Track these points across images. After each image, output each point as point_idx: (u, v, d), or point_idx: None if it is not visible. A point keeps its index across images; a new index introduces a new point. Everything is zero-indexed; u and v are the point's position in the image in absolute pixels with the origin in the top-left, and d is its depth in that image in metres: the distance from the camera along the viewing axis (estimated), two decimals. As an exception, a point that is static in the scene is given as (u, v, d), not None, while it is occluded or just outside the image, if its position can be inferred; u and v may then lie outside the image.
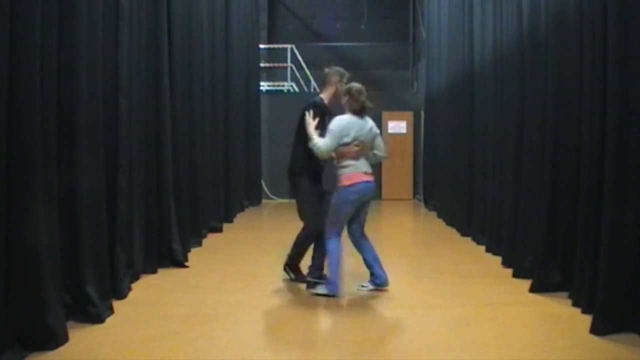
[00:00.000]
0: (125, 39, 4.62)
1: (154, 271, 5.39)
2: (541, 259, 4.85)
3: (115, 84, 4.52)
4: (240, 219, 10.07)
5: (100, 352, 3.37)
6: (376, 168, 13.51)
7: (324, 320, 4.12)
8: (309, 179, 4.88)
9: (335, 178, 4.75)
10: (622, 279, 3.69)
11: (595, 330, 3.70)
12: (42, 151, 3.33)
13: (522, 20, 5.56)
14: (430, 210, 11.34)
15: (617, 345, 3.51)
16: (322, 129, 4.74)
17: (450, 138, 9.21)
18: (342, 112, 4.81)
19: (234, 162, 10.01)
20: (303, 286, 4.90)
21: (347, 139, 4.62)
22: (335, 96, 4.95)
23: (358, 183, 4.64)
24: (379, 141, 4.93)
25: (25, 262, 3.23)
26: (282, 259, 5.24)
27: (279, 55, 14.70)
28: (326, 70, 5.09)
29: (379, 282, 4.81)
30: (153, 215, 5.49)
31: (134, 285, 4.79)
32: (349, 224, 4.82)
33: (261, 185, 13.22)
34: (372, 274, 4.84)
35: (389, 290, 4.87)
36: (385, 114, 13.80)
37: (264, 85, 14.21)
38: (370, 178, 4.73)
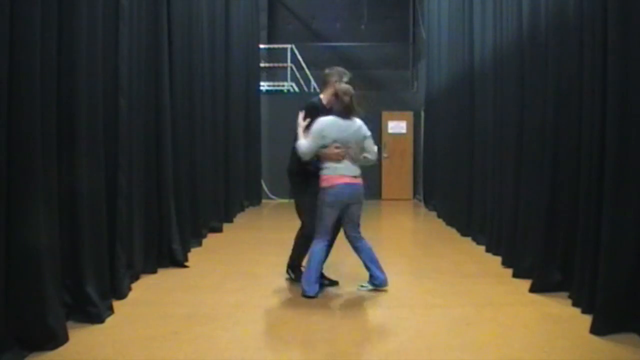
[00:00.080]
0: (125, 39, 4.61)
1: (154, 271, 5.39)
2: (541, 259, 4.85)
3: (115, 84, 4.52)
4: (240, 219, 10.07)
5: (100, 352, 3.37)
6: (376, 168, 13.73)
7: (324, 320, 4.12)
8: (307, 179, 4.88)
9: None
10: (622, 279, 3.69)
11: (595, 330, 3.70)
12: (42, 151, 3.32)
13: (522, 20, 5.56)
14: (430, 210, 11.34)
15: (617, 345, 3.51)
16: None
17: (450, 138, 9.21)
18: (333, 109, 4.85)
19: (234, 162, 10.01)
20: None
21: (325, 141, 4.61)
22: (334, 96, 4.95)
23: (334, 185, 4.62)
24: (369, 143, 4.80)
25: (25, 262, 3.23)
26: (282, 259, 5.24)
27: (279, 55, 14.71)
28: (327, 70, 5.10)
29: (377, 283, 4.81)
30: (153, 215, 5.49)
31: (134, 285, 4.79)
32: (343, 226, 4.82)
33: (261, 185, 13.22)
34: (370, 275, 4.84)
35: (388, 290, 4.86)
36: (385, 114, 13.81)
37: (264, 85, 14.21)
38: (351, 181, 4.67)
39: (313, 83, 14.31)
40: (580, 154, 4.36)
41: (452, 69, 9.30)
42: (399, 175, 13.90)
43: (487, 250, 6.64)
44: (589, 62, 4.14)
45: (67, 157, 3.78)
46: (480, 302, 4.59)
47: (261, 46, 13.92)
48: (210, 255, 6.53)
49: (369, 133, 4.82)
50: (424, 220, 10.84)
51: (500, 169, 6.37)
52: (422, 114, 13.10)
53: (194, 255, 6.28)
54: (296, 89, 14.46)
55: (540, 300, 4.59)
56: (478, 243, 7.15)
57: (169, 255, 5.71)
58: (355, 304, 4.55)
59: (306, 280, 4.63)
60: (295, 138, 4.82)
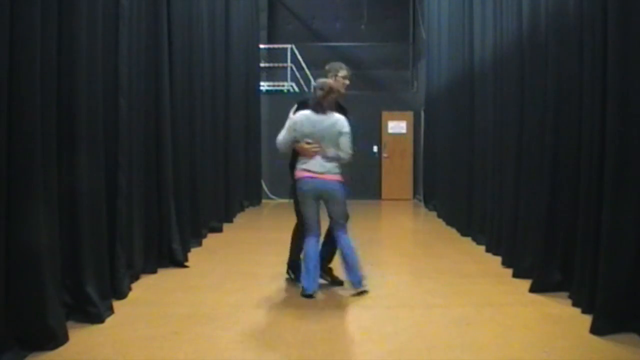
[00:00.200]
0: (125, 39, 4.62)
1: (154, 271, 5.39)
2: (541, 259, 4.85)
3: (115, 84, 4.52)
4: (240, 219, 10.07)
5: (100, 352, 3.37)
6: (376, 168, 13.73)
7: (324, 320, 4.12)
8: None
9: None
10: (622, 279, 3.69)
11: (595, 330, 3.70)
12: (42, 151, 3.32)
13: (522, 20, 5.56)
14: (430, 210, 11.34)
15: (617, 345, 3.51)
16: None
17: (450, 138, 9.21)
18: (340, 107, 4.86)
19: (234, 162, 10.01)
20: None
21: (297, 134, 4.65)
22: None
23: (300, 179, 4.69)
24: (343, 140, 4.66)
25: (25, 262, 3.23)
26: (282, 258, 5.24)
27: (279, 55, 14.70)
28: (326, 66, 5.10)
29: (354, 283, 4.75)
30: (153, 215, 5.49)
31: (134, 285, 4.79)
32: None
33: (261, 185, 13.22)
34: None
35: (388, 291, 4.87)
36: (385, 114, 13.82)
37: (264, 85, 14.21)
38: (316, 175, 4.64)
39: (313, 83, 14.28)
40: (580, 154, 4.36)
41: (452, 69, 9.30)
42: (399, 175, 13.90)
43: (487, 250, 6.64)
44: (589, 62, 4.14)
45: (67, 157, 3.78)
46: (480, 302, 4.58)
47: (261, 46, 13.92)
48: (210, 255, 6.53)
49: (345, 129, 4.67)
50: (424, 220, 10.84)
51: (500, 169, 6.37)
52: (422, 114, 13.10)
53: (194, 255, 6.28)
54: (296, 89, 14.46)
55: (540, 300, 4.59)
56: (478, 243, 7.15)
57: (169, 255, 5.71)
58: (355, 304, 4.55)
59: (304, 279, 4.63)
60: None
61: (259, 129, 12.81)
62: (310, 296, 4.58)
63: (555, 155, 4.80)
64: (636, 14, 3.64)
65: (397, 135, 13.90)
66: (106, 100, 4.32)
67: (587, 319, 3.84)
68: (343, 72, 4.90)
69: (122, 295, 4.45)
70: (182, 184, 6.28)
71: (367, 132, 13.30)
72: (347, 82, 4.93)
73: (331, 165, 4.68)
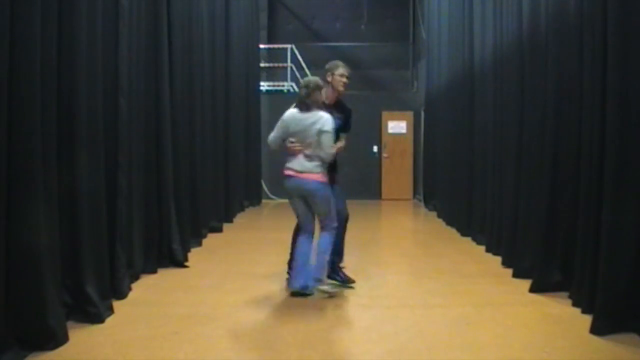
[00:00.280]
0: (125, 39, 4.62)
1: (154, 271, 5.39)
2: (541, 259, 4.85)
3: (115, 84, 4.52)
4: (240, 219, 10.07)
5: (100, 352, 3.38)
6: (376, 168, 13.73)
7: (324, 320, 4.12)
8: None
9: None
10: (622, 279, 3.69)
11: (595, 330, 3.70)
12: (42, 151, 3.33)
13: (522, 20, 5.56)
14: (430, 210, 11.34)
15: (617, 345, 3.51)
16: None
17: (450, 138, 9.21)
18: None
19: (234, 162, 10.01)
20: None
21: (283, 132, 4.69)
22: (332, 89, 4.90)
23: (285, 177, 4.71)
24: (324, 139, 4.55)
25: (25, 262, 3.23)
26: (282, 258, 5.24)
27: (279, 55, 14.70)
28: (327, 65, 5.07)
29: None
30: (153, 215, 5.49)
31: (134, 285, 4.79)
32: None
33: (261, 185, 13.22)
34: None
35: (388, 291, 4.86)
36: (385, 114, 13.81)
37: (264, 85, 14.21)
38: (295, 174, 4.63)
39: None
40: (580, 154, 4.37)
41: (452, 69, 9.30)
42: (399, 175, 13.89)
43: (487, 250, 6.64)
44: (589, 62, 4.14)
45: (67, 157, 3.78)
46: (480, 302, 4.58)
47: (261, 46, 13.92)
48: (210, 255, 6.53)
49: (326, 128, 4.55)
50: (424, 220, 10.84)
51: (500, 169, 6.37)
52: (422, 114, 13.10)
53: (194, 255, 6.29)
54: (296, 89, 14.40)
55: (540, 300, 4.59)
56: (478, 243, 7.15)
57: (169, 255, 5.71)
58: (355, 304, 4.55)
59: (291, 276, 4.62)
60: None
61: (259, 129, 12.81)
62: (298, 294, 4.57)
63: (555, 155, 4.80)
64: (636, 14, 3.64)
65: (397, 135, 13.90)
66: (106, 100, 4.33)
67: (587, 319, 3.84)
68: (340, 70, 4.84)
69: (122, 295, 4.45)
70: (182, 184, 6.28)
71: (367, 132, 13.31)
72: (345, 80, 4.85)
73: (312, 165, 4.61)
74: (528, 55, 5.41)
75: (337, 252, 4.98)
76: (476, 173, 7.57)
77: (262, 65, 14.02)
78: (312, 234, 4.79)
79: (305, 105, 4.63)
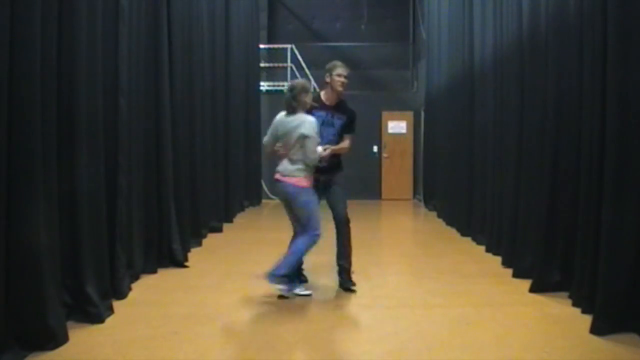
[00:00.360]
0: (125, 39, 4.62)
1: (154, 271, 5.39)
2: (541, 259, 4.85)
3: (115, 84, 4.52)
4: (240, 219, 10.07)
5: (100, 352, 3.38)
6: (376, 168, 13.72)
7: (324, 320, 4.12)
8: (316, 175, 4.86)
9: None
10: (622, 279, 3.69)
11: (595, 330, 3.70)
12: (42, 151, 3.33)
13: (522, 20, 5.56)
14: (430, 210, 11.34)
15: (617, 345, 3.51)
16: None
17: (450, 138, 9.21)
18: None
19: (234, 162, 10.01)
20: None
21: (273, 135, 4.71)
22: (331, 90, 4.88)
23: (275, 181, 4.73)
24: (307, 143, 4.49)
25: (25, 262, 3.23)
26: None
27: (279, 55, 14.70)
28: (327, 65, 5.05)
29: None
30: (153, 215, 5.49)
31: (134, 285, 4.79)
32: None
33: (261, 185, 13.21)
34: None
35: (388, 291, 4.86)
36: (385, 114, 13.81)
37: (264, 85, 14.20)
38: (279, 178, 4.64)
39: (313, 83, 14.26)
40: (580, 154, 4.37)
41: (452, 69, 9.30)
42: (399, 175, 13.89)
43: (487, 250, 6.64)
44: (589, 62, 4.14)
45: (67, 157, 3.78)
46: (480, 302, 4.58)
47: (261, 46, 13.91)
48: (210, 255, 6.53)
49: (307, 132, 4.47)
50: (424, 220, 10.84)
51: (500, 169, 6.37)
52: (422, 113, 13.10)
53: (194, 255, 6.29)
54: (296, 89, 14.44)
55: (540, 300, 4.59)
56: (478, 243, 7.15)
57: (169, 255, 5.71)
58: (354, 304, 4.55)
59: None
60: None
61: (259, 129, 12.79)
62: (281, 297, 4.52)
63: (555, 155, 4.80)
64: (636, 14, 3.64)
65: (397, 135, 13.89)
66: (106, 100, 4.32)
67: (587, 319, 3.84)
68: (337, 70, 4.79)
69: (122, 295, 4.45)
70: (182, 184, 6.28)
71: (367, 132, 13.30)
72: (342, 79, 4.80)
73: (293, 168, 4.58)
74: (528, 55, 5.41)
75: (344, 255, 4.91)
76: (476, 173, 7.57)
77: (262, 65, 14.01)
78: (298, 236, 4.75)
79: (291, 108, 4.62)
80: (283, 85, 14.30)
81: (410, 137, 13.89)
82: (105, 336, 3.62)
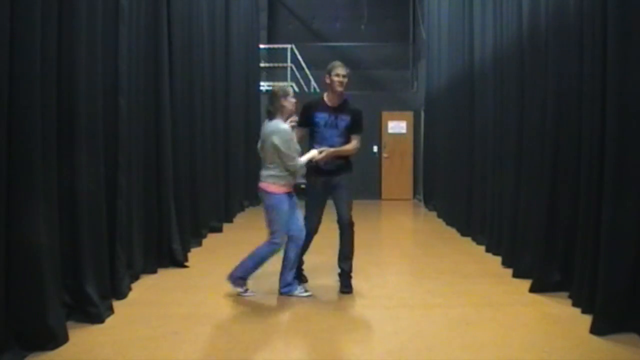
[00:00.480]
0: (125, 39, 4.62)
1: (154, 271, 5.39)
2: (541, 259, 4.85)
3: (115, 84, 4.52)
4: (240, 219, 10.06)
5: (100, 352, 3.38)
6: (376, 168, 13.71)
7: (324, 320, 4.12)
8: (314, 177, 4.86)
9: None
10: (622, 279, 3.69)
11: (595, 330, 3.70)
12: (42, 151, 3.33)
13: (522, 20, 5.56)
14: (430, 210, 11.34)
15: (617, 345, 3.51)
16: (308, 125, 4.87)
17: (450, 138, 9.21)
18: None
19: (234, 162, 10.00)
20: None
21: (259, 142, 4.79)
22: (332, 91, 4.84)
23: None
24: (280, 154, 4.55)
25: (25, 262, 3.23)
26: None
27: (279, 55, 14.70)
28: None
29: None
30: (153, 215, 5.49)
31: (134, 285, 4.79)
32: None
33: (261, 186, 13.20)
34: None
35: (388, 291, 4.85)
36: (385, 114, 13.80)
37: (264, 85, 14.20)
38: (259, 184, 4.71)
39: (313, 83, 14.30)
40: (580, 154, 4.37)
41: (452, 69, 9.30)
42: (399, 175, 13.89)
43: (487, 250, 6.64)
44: (589, 62, 4.14)
45: (67, 157, 3.78)
46: (480, 302, 4.58)
47: (261, 46, 13.91)
48: (210, 255, 6.53)
49: (275, 140, 4.52)
50: (424, 220, 10.84)
51: (500, 169, 6.37)
52: (422, 114, 13.10)
53: (194, 255, 6.29)
54: (296, 89, 14.44)
55: (540, 300, 4.59)
56: (478, 243, 7.15)
57: (169, 255, 5.71)
58: (355, 304, 4.55)
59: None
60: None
61: (259, 129, 12.69)
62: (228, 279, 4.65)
63: (555, 155, 4.80)
64: (636, 14, 3.64)
65: (397, 135, 13.89)
66: (106, 100, 4.33)
67: (587, 319, 3.85)
68: (336, 70, 4.75)
69: (122, 295, 4.45)
70: (182, 184, 6.28)
71: (367, 132, 13.28)
72: (340, 79, 4.74)
73: (266, 174, 4.66)
74: (528, 55, 5.41)
75: (344, 258, 4.90)
76: (476, 173, 7.57)
77: (262, 65, 14.01)
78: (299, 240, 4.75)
79: (269, 114, 4.70)
80: (283, 86, 14.32)
81: (410, 137, 13.88)
82: (105, 336, 3.62)
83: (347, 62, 5.02)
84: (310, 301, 4.58)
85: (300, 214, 4.78)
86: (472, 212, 7.66)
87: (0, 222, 3.04)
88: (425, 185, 12.50)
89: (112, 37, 4.46)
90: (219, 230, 8.17)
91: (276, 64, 14.79)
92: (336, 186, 4.85)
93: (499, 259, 6.06)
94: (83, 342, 3.49)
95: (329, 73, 4.80)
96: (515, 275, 5.34)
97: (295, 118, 4.89)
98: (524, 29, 5.48)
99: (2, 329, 3.06)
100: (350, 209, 4.85)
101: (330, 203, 4.88)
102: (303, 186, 4.97)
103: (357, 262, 5.01)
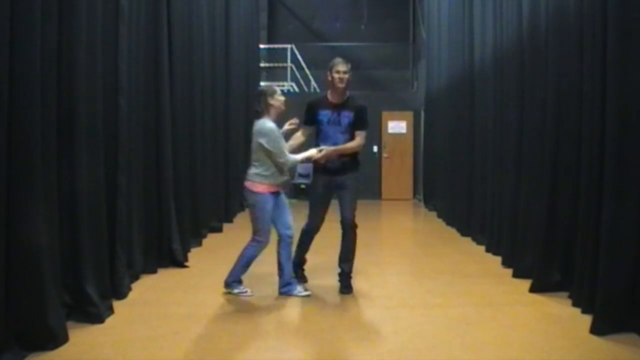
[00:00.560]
0: (124, 39, 4.62)
1: (154, 271, 5.39)
2: (541, 259, 4.85)
3: (115, 84, 4.52)
4: (240, 219, 10.05)
5: (100, 352, 3.38)
6: (376, 168, 13.71)
7: (324, 320, 4.12)
8: (317, 176, 4.86)
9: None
10: (621, 279, 3.69)
11: (595, 330, 3.70)
12: (42, 151, 3.33)
13: (522, 20, 5.56)
14: (430, 210, 11.34)
15: (617, 345, 3.51)
16: (313, 124, 4.83)
17: (450, 138, 9.21)
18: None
19: (234, 162, 10.00)
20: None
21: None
22: (334, 88, 4.81)
23: None
24: (270, 153, 4.52)
25: (25, 262, 3.23)
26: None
27: (279, 55, 14.70)
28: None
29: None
30: (153, 215, 5.49)
31: (134, 285, 4.79)
32: None
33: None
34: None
35: (388, 291, 4.85)
36: (385, 114, 13.80)
37: (264, 86, 14.21)
38: (245, 182, 4.70)
39: (313, 83, 14.30)
40: (580, 154, 4.37)
41: (452, 69, 9.30)
42: (399, 175, 13.89)
43: (487, 250, 6.64)
44: (589, 62, 4.14)
45: (67, 157, 3.78)
46: (480, 302, 4.58)
47: (261, 46, 13.91)
48: (210, 255, 6.53)
49: (261, 140, 4.51)
50: (424, 220, 10.84)
51: (500, 169, 6.37)
52: (422, 113, 13.10)
53: (194, 255, 6.28)
54: (296, 89, 14.46)
55: (540, 300, 4.59)
56: (478, 243, 7.15)
57: (169, 255, 5.71)
58: (354, 304, 4.55)
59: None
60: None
61: (259, 129, 12.79)
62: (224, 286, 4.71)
63: (555, 155, 4.80)
64: (636, 14, 3.64)
65: (397, 135, 13.89)
66: (106, 100, 4.33)
67: (587, 319, 3.85)
68: (337, 67, 4.71)
69: (122, 295, 4.45)
70: (182, 184, 6.28)
71: (367, 131, 13.28)
72: (340, 75, 4.69)
73: (251, 172, 4.65)
74: (528, 55, 5.41)
75: (345, 259, 4.89)
76: (476, 173, 7.57)
77: (262, 65, 14.02)
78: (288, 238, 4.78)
79: (257, 113, 4.70)
80: (283, 85, 14.33)
81: (410, 137, 13.88)
82: (105, 336, 3.63)
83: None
84: (310, 301, 4.58)
85: (289, 214, 4.77)
86: (472, 212, 7.66)
87: (0, 222, 3.04)
88: (425, 185, 12.49)
89: (112, 37, 4.46)
90: (219, 230, 8.18)
91: (276, 64, 14.79)
92: (341, 186, 4.80)
93: (499, 259, 6.07)
94: (83, 342, 3.49)
95: (330, 70, 4.77)
96: (515, 275, 5.34)
97: (295, 120, 4.89)
98: (524, 28, 5.48)
99: (2, 329, 3.06)
100: (354, 210, 4.81)
101: (335, 202, 4.86)
102: (303, 186, 4.98)
103: (357, 262, 5.01)
